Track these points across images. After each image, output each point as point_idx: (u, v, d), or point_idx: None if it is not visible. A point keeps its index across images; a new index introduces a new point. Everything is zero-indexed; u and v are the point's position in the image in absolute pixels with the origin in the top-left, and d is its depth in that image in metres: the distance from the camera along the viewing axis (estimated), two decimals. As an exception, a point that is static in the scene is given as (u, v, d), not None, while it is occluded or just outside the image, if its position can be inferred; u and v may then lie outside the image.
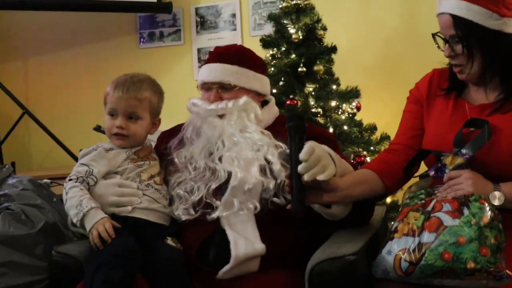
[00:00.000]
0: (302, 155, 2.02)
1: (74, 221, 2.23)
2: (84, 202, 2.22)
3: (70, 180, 2.30)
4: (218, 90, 2.45)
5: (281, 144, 2.34)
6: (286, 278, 2.20)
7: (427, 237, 1.95)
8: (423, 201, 2.08)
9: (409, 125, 2.46)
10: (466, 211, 1.95)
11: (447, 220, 1.95)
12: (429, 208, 2.02)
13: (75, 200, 2.23)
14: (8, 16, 5.22)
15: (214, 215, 2.25)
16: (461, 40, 2.16)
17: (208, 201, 2.28)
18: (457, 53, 2.19)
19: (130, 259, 2.11)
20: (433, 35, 2.28)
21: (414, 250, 1.96)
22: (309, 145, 2.04)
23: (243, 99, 2.41)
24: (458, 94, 2.34)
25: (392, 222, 2.13)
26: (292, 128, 2.09)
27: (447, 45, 2.22)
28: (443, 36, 2.24)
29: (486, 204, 1.96)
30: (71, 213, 2.24)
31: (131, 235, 2.22)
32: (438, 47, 2.30)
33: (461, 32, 2.16)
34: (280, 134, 2.37)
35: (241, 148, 2.33)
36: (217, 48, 2.58)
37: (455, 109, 2.32)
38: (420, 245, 1.95)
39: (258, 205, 2.26)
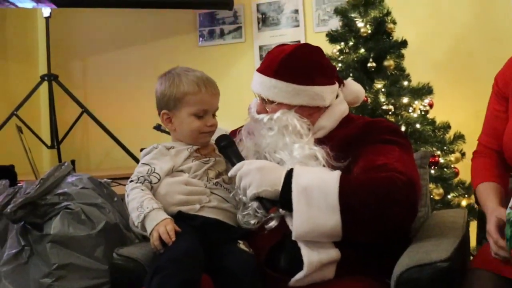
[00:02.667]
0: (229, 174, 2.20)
1: (136, 224, 2.13)
2: (145, 203, 2.12)
3: (131, 181, 2.21)
4: (262, 101, 2.32)
5: (321, 159, 2.17)
6: (365, 285, 2.04)
7: None
8: None
9: (494, 125, 2.31)
10: None
11: None
12: None
13: (136, 202, 2.14)
14: (68, 16, 5.22)
15: (272, 224, 2.14)
16: None
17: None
18: None
19: (190, 264, 1.98)
20: None
21: None
22: (236, 166, 2.15)
23: (276, 114, 2.25)
24: None
25: None
26: (222, 148, 2.27)
27: None
28: None
29: None
30: (133, 216, 2.15)
31: (197, 236, 2.11)
32: None
33: None
34: (341, 137, 2.25)
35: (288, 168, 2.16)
36: (268, 53, 2.40)
37: None
38: None
39: None
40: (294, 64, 2.28)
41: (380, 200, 1.99)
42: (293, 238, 2.03)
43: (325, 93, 2.30)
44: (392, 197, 2.00)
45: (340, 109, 2.36)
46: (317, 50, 2.36)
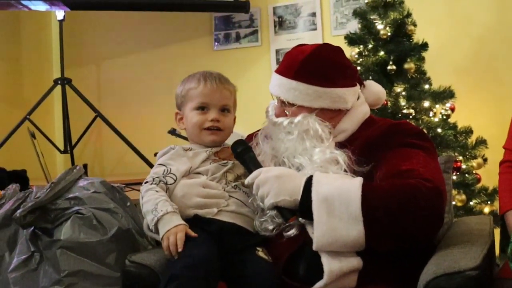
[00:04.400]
0: (245, 182, 2.14)
1: (150, 227, 2.08)
2: (160, 205, 2.06)
3: (146, 182, 2.17)
4: (281, 104, 2.25)
5: (343, 163, 2.10)
6: None
7: None
8: None
9: None
10: None
11: None
12: None
13: (150, 204, 2.08)
14: (82, 19, 5.21)
15: (291, 232, 2.07)
16: None
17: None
18: None
19: (206, 272, 1.92)
20: None
21: None
22: (253, 174, 2.10)
23: (298, 118, 2.18)
24: None
25: None
26: (239, 154, 2.20)
27: None
28: None
29: None
30: (148, 219, 2.09)
31: (214, 241, 2.05)
32: None
33: None
34: (363, 140, 2.18)
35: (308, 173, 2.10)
36: (287, 53, 2.33)
37: None
38: None
39: None
40: (315, 65, 2.21)
41: (405, 209, 1.92)
42: (314, 248, 1.96)
43: (347, 95, 2.23)
44: (417, 206, 1.92)
45: (362, 111, 2.30)
46: (338, 50, 2.29)
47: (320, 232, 1.94)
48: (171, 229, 2.00)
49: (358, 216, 1.91)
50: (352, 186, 1.96)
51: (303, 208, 1.99)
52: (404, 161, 2.06)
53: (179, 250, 1.96)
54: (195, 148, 2.26)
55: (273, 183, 2.02)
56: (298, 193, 2.00)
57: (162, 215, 2.03)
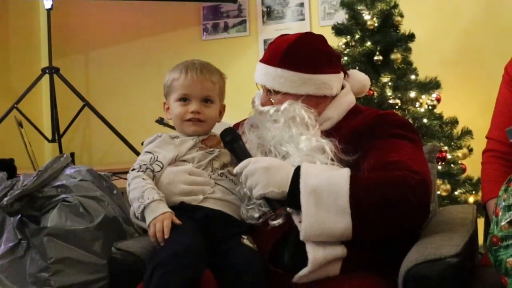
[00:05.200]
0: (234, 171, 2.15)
1: (137, 214, 2.08)
2: (146, 193, 2.06)
3: (133, 169, 2.17)
4: (267, 92, 2.26)
5: (329, 152, 2.10)
6: (372, 283, 1.97)
7: None
8: None
9: (506, 116, 2.22)
10: None
11: None
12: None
13: (137, 192, 2.08)
14: (70, 8, 5.17)
15: (276, 222, 2.07)
16: None
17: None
18: None
19: (192, 260, 1.91)
20: None
21: None
22: (242, 163, 2.09)
23: (284, 105, 2.19)
24: None
25: None
26: (228, 142, 2.20)
27: None
28: None
29: None
30: (134, 206, 2.09)
31: (200, 230, 2.05)
32: None
33: None
34: (349, 129, 2.19)
35: (295, 161, 2.11)
36: (271, 43, 2.34)
37: None
38: None
39: None
40: (299, 52, 2.22)
41: (393, 202, 1.93)
42: (301, 239, 1.97)
43: (332, 82, 2.24)
44: (405, 199, 1.93)
45: (347, 100, 2.30)
46: (321, 38, 2.31)
47: (308, 224, 1.95)
48: (158, 217, 2.01)
49: (346, 209, 1.92)
50: (340, 179, 1.96)
51: (291, 199, 2.00)
52: (392, 152, 2.07)
53: (165, 237, 1.97)
54: (182, 136, 2.26)
55: (262, 175, 2.02)
56: (286, 185, 2.00)
57: (148, 202, 2.03)
